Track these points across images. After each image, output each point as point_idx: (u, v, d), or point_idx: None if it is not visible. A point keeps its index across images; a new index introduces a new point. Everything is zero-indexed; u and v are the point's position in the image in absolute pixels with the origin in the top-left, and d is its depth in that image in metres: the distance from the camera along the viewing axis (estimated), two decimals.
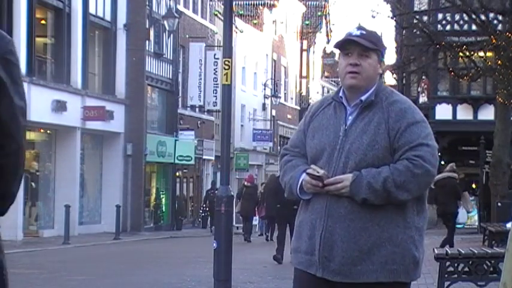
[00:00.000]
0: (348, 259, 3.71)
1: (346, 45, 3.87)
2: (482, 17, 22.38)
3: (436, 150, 3.84)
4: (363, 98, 3.86)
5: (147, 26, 32.55)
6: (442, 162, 36.36)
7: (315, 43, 60.78)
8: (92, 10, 29.62)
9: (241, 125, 46.00)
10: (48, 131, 28.00)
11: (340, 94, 3.93)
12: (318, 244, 3.77)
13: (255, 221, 30.91)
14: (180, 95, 36.87)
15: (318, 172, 3.78)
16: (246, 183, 29.36)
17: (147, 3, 32.63)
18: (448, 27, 30.07)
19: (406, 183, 3.72)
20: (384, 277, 3.71)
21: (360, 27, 3.97)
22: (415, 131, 3.79)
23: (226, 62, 10.26)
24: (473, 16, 22.41)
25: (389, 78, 44.96)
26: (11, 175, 2.91)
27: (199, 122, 38.58)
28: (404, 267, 3.75)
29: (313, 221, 3.83)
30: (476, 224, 25.92)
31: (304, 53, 59.33)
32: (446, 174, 17.16)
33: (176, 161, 36.07)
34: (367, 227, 3.72)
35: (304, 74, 59.29)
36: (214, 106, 37.93)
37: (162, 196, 36.26)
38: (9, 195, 2.93)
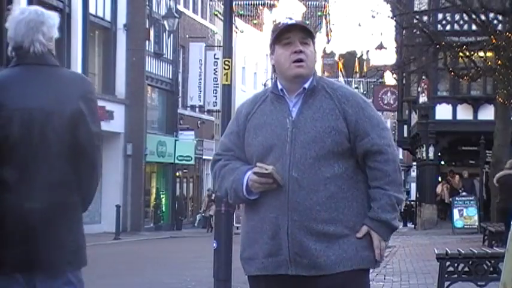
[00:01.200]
0: (320, 251, 3.61)
1: (285, 32, 3.73)
2: (482, 17, 22.38)
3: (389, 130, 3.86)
4: (306, 86, 3.73)
5: (147, 26, 32.56)
6: (442, 162, 36.45)
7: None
8: (92, 10, 29.63)
9: None
10: None
11: (280, 87, 3.77)
12: (286, 242, 3.62)
13: None
14: (180, 95, 36.88)
15: (266, 169, 3.61)
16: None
17: (147, 3, 32.64)
18: (448, 27, 30.08)
19: (397, 183, 3.74)
20: (358, 264, 3.64)
21: (289, 17, 3.87)
22: (370, 119, 3.73)
23: (226, 62, 10.26)
24: (473, 16, 22.41)
25: (390, 78, 44.96)
26: (88, 184, 4.00)
27: (199, 122, 38.59)
28: (373, 254, 3.67)
29: (272, 220, 3.65)
30: (476, 224, 25.91)
31: None
32: (507, 171, 17.48)
33: (176, 161, 36.08)
34: (333, 217, 3.62)
35: None
36: (214, 106, 37.94)
37: (162, 196, 36.27)
38: (88, 198, 4.04)
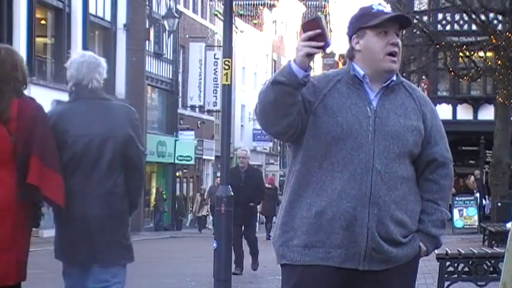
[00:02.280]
0: (393, 245, 3.49)
1: (386, 22, 3.50)
2: (482, 17, 22.38)
3: None
4: (394, 79, 3.56)
5: (147, 26, 32.55)
6: None
7: None
8: (92, 10, 29.61)
9: (241, 125, 46.02)
10: None
11: (361, 72, 3.54)
12: (365, 236, 3.43)
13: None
14: (180, 95, 36.87)
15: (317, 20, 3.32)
16: (266, 184, 30.36)
17: (147, 3, 32.63)
18: (448, 27, 30.08)
19: (448, 200, 3.72)
20: (412, 254, 3.59)
21: (380, 4, 3.64)
22: (440, 128, 3.67)
23: (226, 62, 10.26)
24: (473, 16, 22.41)
25: None
26: (136, 192, 5.16)
27: (199, 122, 38.58)
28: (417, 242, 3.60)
29: (349, 210, 3.42)
30: (476, 224, 25.91)
31: None
32: None
33: (176, 161, 36.07)
34: (404, 219, 3.52)
35: None
36: (214, 106, 37.93)
37: (163, 196, 36.26)
38: (135, 204, 5.17)
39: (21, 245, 4.81)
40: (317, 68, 62.46)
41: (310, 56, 3.34)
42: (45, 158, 4.74)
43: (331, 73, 3.64)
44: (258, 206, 34.87)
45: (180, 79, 36.68)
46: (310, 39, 3.33)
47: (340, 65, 72.84)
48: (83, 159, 4.99)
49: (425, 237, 3.59)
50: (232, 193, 9.99)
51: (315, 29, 3.32)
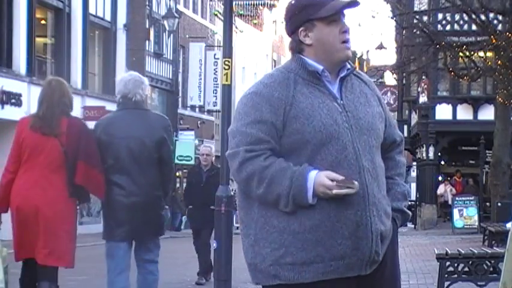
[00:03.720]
0: (387, 243, 3.37)
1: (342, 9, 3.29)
2: (482, 17, 22.37)
3: None
4: (348, 66, 3.36)
5: (147, 26, 32.55)
6: (442, 162, 36.43)
7: None
8: (92, 10, 29.60)
9: None
10: None
11: (320, 67, 3.29)
12: (369, 240, 3.23)
13: None
14: (180, 95, 36.86)
15: (352, 188, 3.16)
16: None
17: (147, 3, 32.63)
18: (448, 27, 30.06)
19: (404, 176, 3.62)
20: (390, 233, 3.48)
21: None
22: (388, 110, 3.57)
23: (226, 62, 10.25)
24: (473, 16, 22.40)
25: (390, 78, 44.96)
26: (167, 182, 6.60)
27: (199, 122, 38.58)
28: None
29: (350, 217, 3.19)
30: (476, 224, 25.90)
31: None
32: None
33: (176, 161, 36.05)
34: (389, 211, 3.42)
35: None
36: (214, 106, 37.92)
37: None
38: (167, 192, 6.62)
39: (70, 235, 6.31)
40: None
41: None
42: (89, 162, 6.22)
43: (280, 75, 3.32)
44: None
45: (180, 79, 36.68)
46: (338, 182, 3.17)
47: None
48: (126, 156, 6.40)
49: (393, 214, 3.45)
50: (232, 193, 9.98)
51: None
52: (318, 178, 3.15)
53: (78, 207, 6.49)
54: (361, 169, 3.23)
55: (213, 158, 12.84)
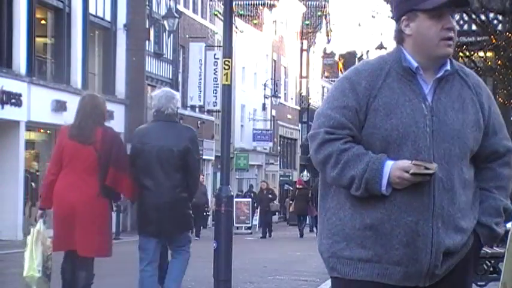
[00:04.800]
0: (452, 260, 3.19)
1: (443, 5, 3.10)
2: (482, 17, 22.37)
3: None
4: (448, 68, 3.16)
5: (147, 26, 32.55)
6: None
7: (315, 43, 60.80)
8: (92, 10, 29.60)
9: (241, 125, 46.02)
10: (48, 131, 27.98)
11: (414, 63, 3.15)
12: (429, 253, 3.09)
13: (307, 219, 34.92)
14: (180, 95, 36.84)
15: (429, 169, 2.99)
16: (298, 185, 33.79)
17: (147, 3, 32.62)
18: None
19: (508, 190, 3.32)
20: (465, 245, 3.26)
21: None
22: (498, 115, 3.32)
23: (226, 62, 10.26)
24: (473, 16, 22.40)
25: None
26: (192, 186, 7.55)
27: (199, 122, 38.58)
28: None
29: (410, 224, 3.07)
30: None
31: (304, 53, 59.35)
32: None
33: None
34: (468, 227, 3.20)
35: (304, 74, 59.30)
36: (214, 106, 37.94)
37: None
38: (192, 194, 7.55)
39: (103, 229, 7.27)
40: (317, 68, 62.46)
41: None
42: (118, 166, 7.17)
43: (376, 64, 3.20)
44: (291, 206, 36.98)
45: (180, 79, 36.68)
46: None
47: (340, 65, 72.86)
48: (155, 162, 7.31)
49: (477, 228, 3.23)
50: (231, 193, 9.96)
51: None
52: (396, 164, 3.04)
53: (115, 205, 7.69)
54: (432, 177, 3.06)
55: None
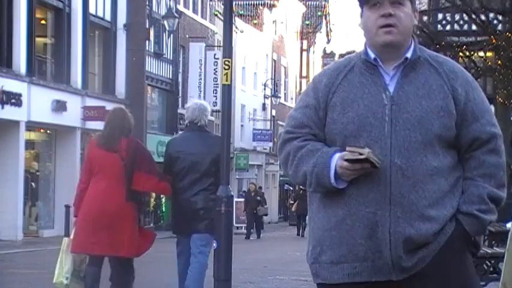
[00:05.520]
0: (426, 252, 3.10)
1: None
2: (482, 17, 22.38)
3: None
4: (408, 55, 3.15)
5: (147, 26, 32.55)
6: None
7: (315, 43, 60.82)
8: (92, 10, 29.61)
9: (241, 125, 46.01)
10: (48, 131, 28.00)
11: (372, 55, 3.17)
12: (388, 243, 3.04)
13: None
14: (180, 95, 36.86)
15: (360, 154, 2.99)
16: (301, 186, 33.35)
17: (147, 3, 32.63)
18: (448, 27, 30.04)
19: (496, 178, 3.18)
20: (445, 233, 3.16)
21: None
22: (479, 101, 3.17)
23: (226, 62, 10.25)
24: (473, 16, 22.42)
25: None
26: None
27: None
28: None
29: (368, 216, 3.05)
30: None
31: (304, 53, 59.38)
32: None
33: None
34: (439, 216, 3.10)
35: (304, 74, 59.33)
36: (214, 106, 37.91)
37: (162, 196, 36.23)
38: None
39: (130, 230, 7.70)
40: (317, 68, 62.45)
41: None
42: (144, 169, 7.74)
43: (342, 62, 3.26)
44: (293, 206, 37.89)
45: (180, 79, 36.68)
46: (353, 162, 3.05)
47: None
48: (189, 168, 7.97)
49: (460, 217, 3.15)
50: (231, 193, 9.96)
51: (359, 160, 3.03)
52: (339, 155, 3.07)
53: (140, 208, 8.21)
54: (388, 165, 3.04)
55: None
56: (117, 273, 7.86)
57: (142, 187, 7.87)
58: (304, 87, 65.24)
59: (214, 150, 8.21)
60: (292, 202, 34.64)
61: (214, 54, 38.01)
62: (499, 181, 3.19)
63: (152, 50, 33.43)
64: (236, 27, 41.32)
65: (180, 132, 42.22)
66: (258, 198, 33.71)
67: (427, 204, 3.06)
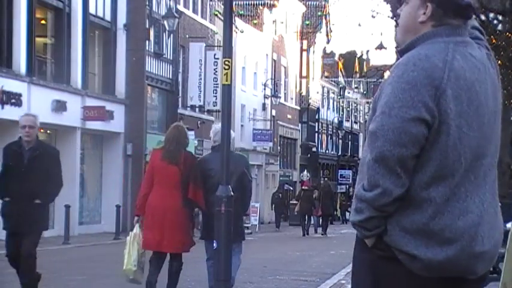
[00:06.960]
0: None
1: None
2: (482, 17, 22.38)
3: (395, 124, 2.90)
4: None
5: (147, 26, 32.55)
6: None
7: (315, 43, 60.81)
8: (92, 10, 29.62)
9: (241, 125, 46.00)
10: (48, 131, 27.99)
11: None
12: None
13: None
14: (180, 95, 36.86)
15: None
16: (303, 187, 35.45)
17: (147, 3, 32.62)
18: None
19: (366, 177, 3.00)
20: None
21: None
22: (385, 98, 2.94)
23: (226, 62, 10.25)
24: (473, 16, 22.41)
25: None
26: (246, 199, 9.65)
27: (199, 122, 38.58)
28: None
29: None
30: None
31: (304, 53, 59.37)
32: None
33: None
34: None
35: (304, 74, 59.31)
36: (214, 106, 37.94)
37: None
38: (246, 205, 9.88)
39: (186, 232, 9.29)
40: (317, 68, 62.45)
41: None
42: (195, 183, 9.11)
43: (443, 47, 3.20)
44: (296, 206, 38.59)
45: (180, 79, 36.67)
46: None
47: (340, 65, 72.83)
48: (218, 184, 9.27)
49: None
50: (231, 193, 9.93)
51: None
52: None
53: (192, 215, 9.56)
54: None
55: (37, 132, 9.57)
56: (176, 265, 9.63)
57: (194, 197, 9.18)
58: (304, 87, 65.16)
59: (240, 167, 9.39)
60: (293, 202, 34.72)
61: (214, 54, 38.01)
62: (369, 181, 2.98)
63: (152, 50, 33.43)
64: (236, 27, 41.33)
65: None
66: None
67: None
